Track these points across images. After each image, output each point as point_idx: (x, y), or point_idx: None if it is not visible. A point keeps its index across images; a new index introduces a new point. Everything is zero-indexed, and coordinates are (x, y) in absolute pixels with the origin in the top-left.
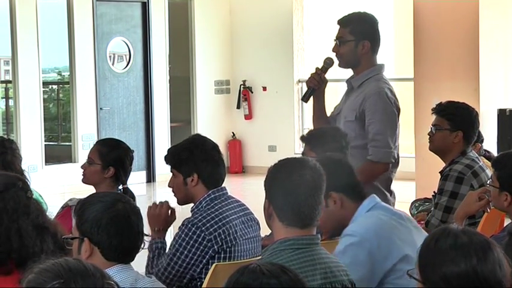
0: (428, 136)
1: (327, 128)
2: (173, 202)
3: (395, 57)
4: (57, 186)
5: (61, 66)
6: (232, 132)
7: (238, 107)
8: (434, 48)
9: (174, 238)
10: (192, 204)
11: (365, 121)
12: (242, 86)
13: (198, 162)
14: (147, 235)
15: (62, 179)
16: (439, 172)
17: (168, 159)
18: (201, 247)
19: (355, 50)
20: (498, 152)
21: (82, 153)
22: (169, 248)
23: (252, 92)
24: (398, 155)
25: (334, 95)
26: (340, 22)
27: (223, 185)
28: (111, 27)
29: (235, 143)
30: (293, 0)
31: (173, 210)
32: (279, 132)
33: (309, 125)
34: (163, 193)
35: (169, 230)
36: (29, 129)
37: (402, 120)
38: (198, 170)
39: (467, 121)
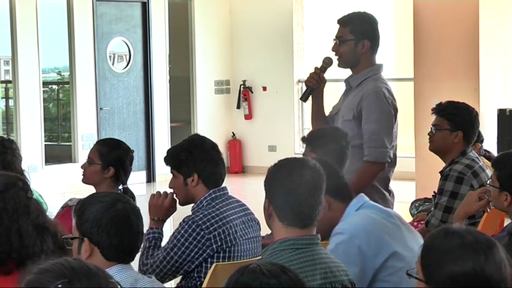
0: (428, 136)
1: (327, 128)
2: None
3: (395, 57)
4: (57, 186)
5: (61, 66)
6: (232, 132)
7: (238, 107)
8: (434, 48)
9: (174, 233)
10: (192, 205)
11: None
12: (242, 86)
13: (198, 162)
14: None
15: (62, 179)
16: (439, 172)
17: (167, 160)
18: (199, 245)
19: (355, 50)
20: (498, 152)
21: (82, 153)
22: (167, 243)
23: (252, 92)
24: (395, 154)
25: (334, 94)
26: (340, 21)
27: (224, 185)
28: (111, 27)
29: (235, 143)
30: (293, 0)
31: (175, 202)
32: (279, 132)
33: (309, 125)
34: None
35: (168, 223)
36: (29, 129)
37: (402, 120)
38: (197, 170)
39: (467, 121)
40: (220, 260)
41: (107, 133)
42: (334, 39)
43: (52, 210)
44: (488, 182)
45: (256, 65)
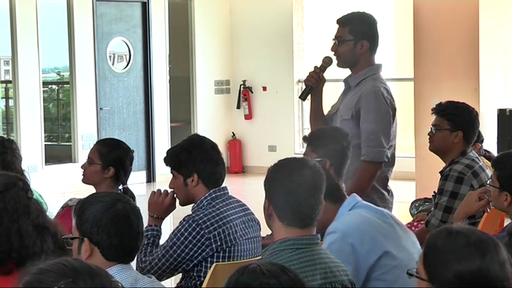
0: (428, 136)
1: (328, 128)
2: None
3: (395, 57)
4: (57, 186)
5: (61, 66)
6: (232, 132)
7: (238, 107)
8: (434, 48)
9: (173, 232)
10: (192, 204)
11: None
12: (242, 86)
13: (197, 162)
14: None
15: (62, 179)
16: (439, 172)
17: (167, 161)
18: (199, 244)
19: (354, 50)
20: (498, 152)
21: (82, 153)
22: (167, 241)
23: (252, 92)
24: (394, 154)
25: (333, 94)
26: (339, 21)
27: (224, 185)
28: (111, 27)
29: (235, 143)
30: (293, 0)
31: (175, 200)
32: (279, 132)
33: (309, 125)
34: None
35: (168, 222)
36: (29, 129)
37: (402, 120)
38: (197, 170)
39: (467, 121)
40: (220, 260)
41: (107, 133)
42: (333, 39)
43: (52, 210)
44: (488, 182)
45: (256, 65)
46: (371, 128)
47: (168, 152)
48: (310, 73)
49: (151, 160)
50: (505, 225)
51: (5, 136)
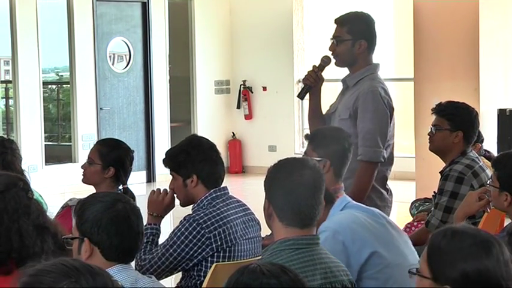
0: (428, 136)
1: (331, 128)
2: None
3: (395, 57)
4: (57, 186)
5: (61, 66)
6: (232, 132)
7: (238, 107)
8: (434, 48)
9: (173, 231)
10: (192, 204)
11: None
12: (242, 86)
13: (196, 163)
14: None
15: (62, 179)
16: (439, 172)
17: (166, 162)
18: (199, 243)
19: (352, 49)
20: (498, 152)
21: (82, 153)
22: (167, 240)
23: (252, 92)
24: (392, 153)
25: (332, 94)
26: (338, 21)
27: (224, 185)
28: (111, 27)
29: (235, 143)
30: (293, 0)
31: (174, 199)
32: (279, 132)
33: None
34: None
35: (168, 222)
36: (29, 129)
37: (402, 120)
38: (196, 171)
39: (467, 121)
40: (220, 260)
41: (107, 133)
42: (331, 39)
43: (52, 210)
44: (488, 182)
45: (256, 65)
46: (368, 128)
47: (166, 153)
48: (308, 72)
49: (151, 160)
50: (505, 225)
51: (5, 136)
